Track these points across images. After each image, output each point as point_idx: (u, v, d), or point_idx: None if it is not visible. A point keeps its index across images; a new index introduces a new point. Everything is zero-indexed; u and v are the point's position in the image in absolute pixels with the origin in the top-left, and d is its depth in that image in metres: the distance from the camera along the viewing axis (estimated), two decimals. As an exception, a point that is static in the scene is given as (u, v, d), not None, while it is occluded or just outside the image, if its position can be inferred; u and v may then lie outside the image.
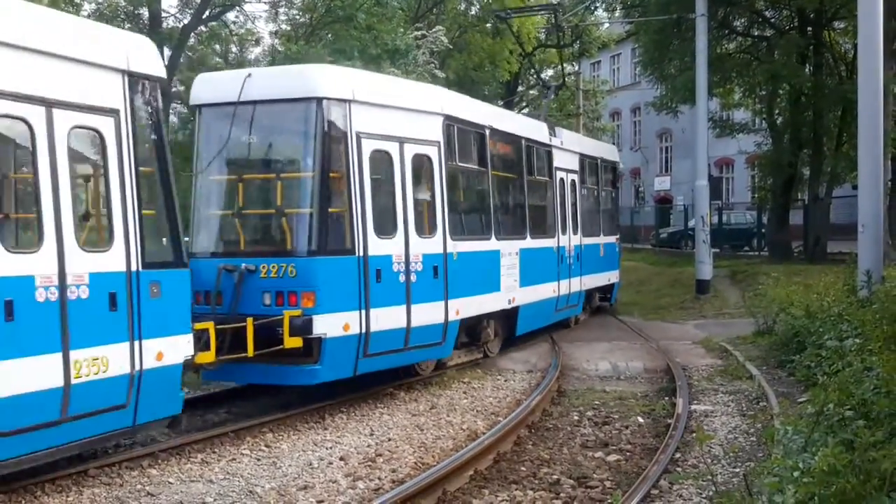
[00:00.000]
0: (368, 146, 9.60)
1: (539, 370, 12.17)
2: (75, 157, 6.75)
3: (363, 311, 9.34)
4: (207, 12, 24.88)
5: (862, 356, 7.12)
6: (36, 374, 6.14)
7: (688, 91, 21.94)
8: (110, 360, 6.73)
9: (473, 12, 34.53)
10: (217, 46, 29.02)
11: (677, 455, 7.59)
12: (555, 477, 7.19)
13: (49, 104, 6.41)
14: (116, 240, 6.91)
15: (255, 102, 9.37)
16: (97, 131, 6.88)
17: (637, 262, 28.60)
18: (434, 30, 23.07)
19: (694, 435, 7.81)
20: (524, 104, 38.54)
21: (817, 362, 9.17)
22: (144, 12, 24.12)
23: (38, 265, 6.21)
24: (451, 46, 27.96)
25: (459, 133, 11.48)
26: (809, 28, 23.14)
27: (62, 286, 6.35)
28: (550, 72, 39.27)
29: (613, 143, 44.05)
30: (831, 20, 22.98)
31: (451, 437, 8.48)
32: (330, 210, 9.26)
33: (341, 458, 7.71)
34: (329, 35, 23.47)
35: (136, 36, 7.89)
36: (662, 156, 47.87)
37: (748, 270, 21.83)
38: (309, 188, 9.40)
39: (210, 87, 9.94)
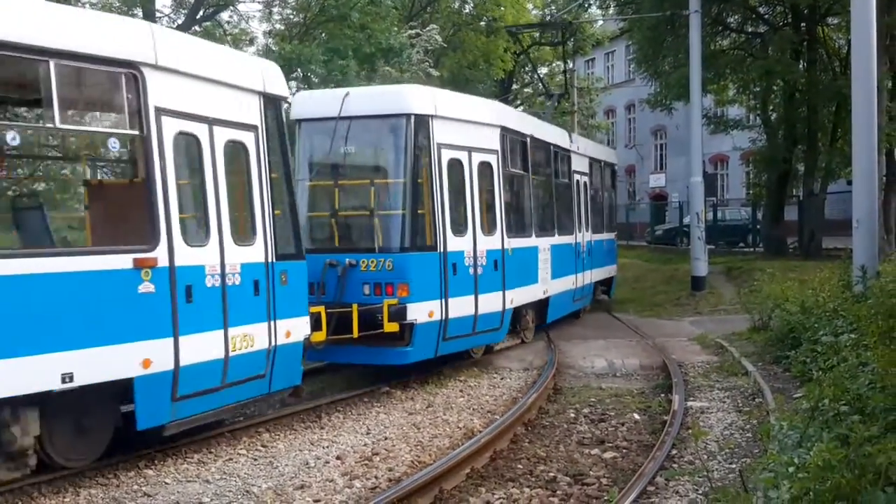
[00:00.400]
0: (446, 155, 10.95)
1: (535, 368, 12.17)
2: (228, 165, 7.91)
3: (443, 300, 10.70)
4: (201, 12, 24.78)
5: (857, 351, 7.14)
6: (206, 347, 7.39)
7: (682, 88, 21.97)
8: (255, 336, 7.99)
9: (467, 10, 34.48)
10: (211, 46, 28.85)
11: (673, 451, 7.61)
12: (551, 474, 7.20)
13: (211, 122, 7.66)
14: (258, 235, 8.19)
15: (352, 118, 10.62)
16: (243, 144, 8.12)
17: (632, 259, 28.60)
18: (428, 28, 23.07)
19: (690, 431, 7.80)
20: (518, 102, 38.50)
21: (812, 358, 9.19)
22: (138, 12, 23.98)
23: (206, 256, 7.49)
24: (445, 45, 27.97)
25: (510, 142, 12.87)
26: (803, 24, 23.11)
27: (223, 274, 7.63)
28: (545, 69, 39.25)
29: (608, 141, 44.24)
30: (825, 16, 22.96)
31: (448, 435, 8.49)
32: (418, 211, 10.54)
33: (338, 458, 7.71)
34: (323, 34, 23.43)
35: (268, 62, 9.10)
36: (657, 153, 47.93)
37: (743, 267, 21.86)
38: (401, 192, 10.61)
39: (311, 104, 11.31)
